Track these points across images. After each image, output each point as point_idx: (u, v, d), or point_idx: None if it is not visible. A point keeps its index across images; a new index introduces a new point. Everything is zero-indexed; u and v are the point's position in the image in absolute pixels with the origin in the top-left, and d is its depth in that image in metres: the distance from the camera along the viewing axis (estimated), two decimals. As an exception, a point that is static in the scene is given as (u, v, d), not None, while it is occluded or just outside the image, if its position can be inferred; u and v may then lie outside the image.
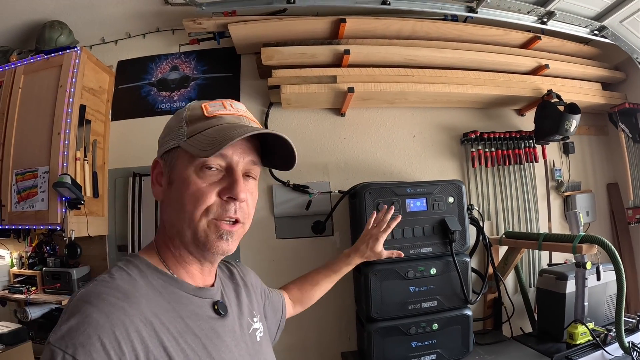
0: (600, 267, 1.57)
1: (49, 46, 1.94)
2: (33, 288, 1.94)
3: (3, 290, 1.95)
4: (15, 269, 2.05)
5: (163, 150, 0.60)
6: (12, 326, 1.79)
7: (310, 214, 1.76)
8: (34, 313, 1.85)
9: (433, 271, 1.52)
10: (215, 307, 0.61)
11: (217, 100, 0.61)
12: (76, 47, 1.88)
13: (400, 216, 1.19)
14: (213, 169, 0.57)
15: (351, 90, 1.61)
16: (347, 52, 1.64)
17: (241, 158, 0.59)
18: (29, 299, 1.85)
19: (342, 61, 1.69)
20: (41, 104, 1.85)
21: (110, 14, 2.00)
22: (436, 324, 1.52)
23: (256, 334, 0.69)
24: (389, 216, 1.13)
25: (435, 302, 1.53)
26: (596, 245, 1.49)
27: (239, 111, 0.61)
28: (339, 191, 1.78)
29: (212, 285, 0.64)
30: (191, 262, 0.61)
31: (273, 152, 0.63)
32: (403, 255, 1.19)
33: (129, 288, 0.52)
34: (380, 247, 1.11)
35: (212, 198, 0.57)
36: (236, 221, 0.59)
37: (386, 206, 1.17)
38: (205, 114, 0.59)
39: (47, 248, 1.99)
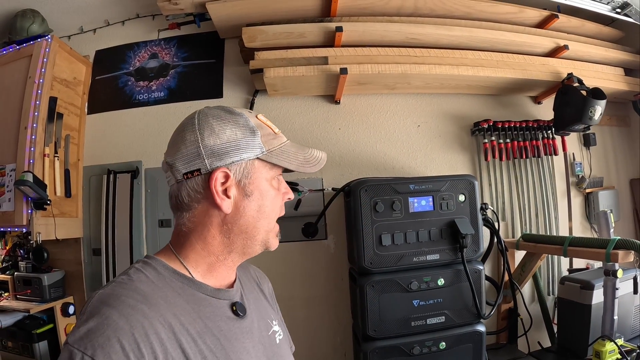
0: (639, 277, 1.25)
1: (21, 36, 1.71)
2: (6, 294, 1.68)
3: (-28, 296, 1.70)
4: (-14, 274, 1.79)
5: (232, 160, 0.55)
6: (-21, 335, 1.53)
7: (300, 215, 1.45)
8: (5, 321, 1.59)
9: (441, 282, 1.22)
10: (234, 308, 0.57)
11: (259, 115, 0.60)
12: (47, 36, 1.61)
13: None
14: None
15: (344, 71, 1.30)
16: (339, 29, 1.33)
17: None
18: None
19: (334, 41, 1.38)
20: (10, 98, 1.60)
21: (87, 1, 1.74)
22: (444, 343, 1.23)
23: (275, 336, 0.64)
24: None
25: (443, 317, 1.23)
26: (633, 252, 1.17)
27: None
28: (333, 189, 1.48)
29: (232, 286, 0.61)
30: (229, 264, 0.59)
31: None
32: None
33: (147, 290, 0.49)
34: None
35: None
36: None
37: None
38: (275, 131, 0.60)
39: (21, 251, 1.72)
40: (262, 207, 0.57)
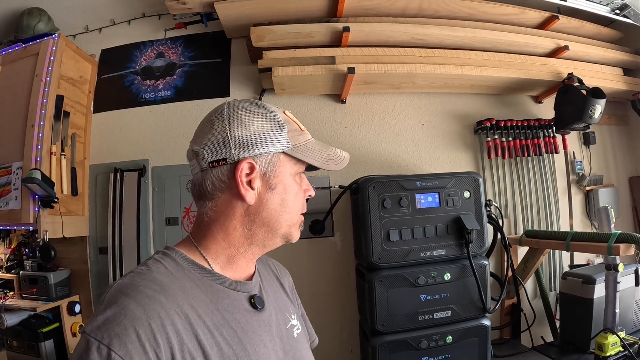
0: (640, 270, 1.29)
1: (27, 34, 1.71)
2: (11, 293, 1.69)
3: (-23, 295, 1.70)
4: (-10, 273, 1.79)
5: (259, 152, 0.55)
6: (-15, 334, 1.54)
7: (307, 212, 1.46)
8: (11, 320, 1.60)
9: (447, 277, 1.25)
10: (252, 300, 0.58)
11: (286, 111, 0.62)
12: (54, 34, 1.62)
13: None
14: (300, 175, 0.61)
15: (351, 71, 1.33)
16: (346, 29, 1.36)
17: None
18: (4, 304, 1.59)
19: (341, 41, 1.41)
20: (17, 96, 1.61)
21: (93, 0, 1.76)
22: (450, 337, 1.26)
23: (294, 330, 0.65)
24: None
25: (450, 311, 1.26)
26: (634, 245, 1.20)
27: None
28: (340, 186, 1.50)
29: (251, 279, 0.61)
30: (249, 257, 0.60)
31: None
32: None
33: (165, 280, 0.50)
34: None
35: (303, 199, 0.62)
36: None
37: None
38: (301, 128, 0.61)
39: (26, 250, 1.73)
40: (285, 201, 0.58)
